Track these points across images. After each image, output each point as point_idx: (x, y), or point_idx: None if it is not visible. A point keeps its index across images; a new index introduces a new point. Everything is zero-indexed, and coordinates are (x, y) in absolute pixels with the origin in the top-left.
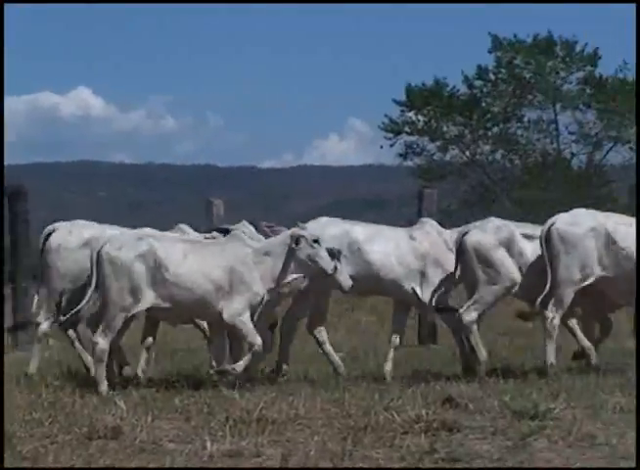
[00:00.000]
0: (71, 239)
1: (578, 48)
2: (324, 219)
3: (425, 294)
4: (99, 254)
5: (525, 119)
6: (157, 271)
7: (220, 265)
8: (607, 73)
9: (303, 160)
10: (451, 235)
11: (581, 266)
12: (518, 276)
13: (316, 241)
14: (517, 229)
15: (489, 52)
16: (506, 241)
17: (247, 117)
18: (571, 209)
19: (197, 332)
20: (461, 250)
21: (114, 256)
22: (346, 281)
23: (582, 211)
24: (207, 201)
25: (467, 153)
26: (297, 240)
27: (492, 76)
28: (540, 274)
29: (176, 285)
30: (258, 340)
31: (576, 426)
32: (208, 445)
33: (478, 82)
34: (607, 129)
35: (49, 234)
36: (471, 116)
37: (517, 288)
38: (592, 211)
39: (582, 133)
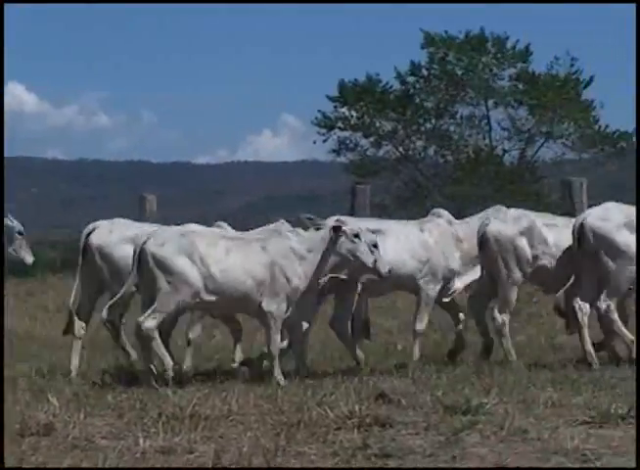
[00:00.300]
0: (112, 237)
1: (510, 45)
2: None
3: (429, 286)
4: (142, 249)
5: (458, 116)
6: (199, 266)
7: (262, 261)
8: (538, 70)
9: (237, 155)
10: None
11: None
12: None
13: (357, 235)
14: (537, 218)
15: (422, 48)
16: (526, 230)
17: (180, 114)
18: (502, 204)
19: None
20: (483, 240)
21: (157, 252)
22: (384, 268)
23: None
24: (141, 196)
25: (400, 149)
26: (337, 235)
27: (425, 72)
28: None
29: (219, 280)
30: (278, 340)
31: (508, 421)
32: (141, 441)
33: (410, 78)
34: (539, 125)
35: (89, 233)
36: (404, 112)
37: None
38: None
39: (514, 129)
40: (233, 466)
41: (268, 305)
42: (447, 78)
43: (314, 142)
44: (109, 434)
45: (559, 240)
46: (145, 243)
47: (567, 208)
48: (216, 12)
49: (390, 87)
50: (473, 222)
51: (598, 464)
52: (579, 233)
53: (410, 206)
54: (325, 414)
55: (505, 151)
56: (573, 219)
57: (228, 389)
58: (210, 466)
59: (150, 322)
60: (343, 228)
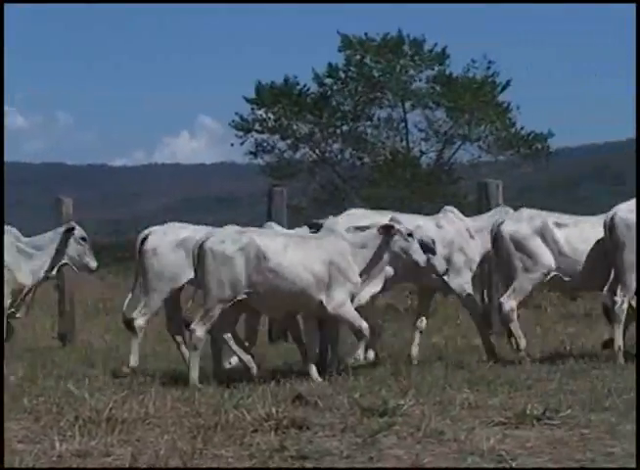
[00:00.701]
0: (167, 240)
1: (427, 47)
2: (360, 211)
3: (452, 280)
4: (201, 248)
5: (375, 118)
6: (258, 263)
7: (320, 258)
8: (456, 72)
9: (154, 157)
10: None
11: None
12: (553, 264)
13: (410, 234)
14: (549, 217)
15: (339, 51)
16: (540, 230)
17: (97, 116)
18: (419, 206)
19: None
20: (497, 239)
21: (217, 249)
22: (442, 266)
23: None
24: (57, 199)
25: (317, 151)
26: (392, 233)
27: (342, 75)
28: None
29: (278, 276)
30: (364, 324)
31: (425, 422)
32: (57, 444)
33: (328, 80)
34: (456, 127)
35: (145, 237)
36: (321, 114)
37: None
38: None
39: (432, 131)
40: (149, 468)
41: (331, 302)
42: (365, 81)
43: (232, 144)
44: (25, 438)
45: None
46: (205, 241)
47: (483, 209)
48: (116, 11)
49: (308, 89)
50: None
51: (514, 464)
52: (610, 227)
53: (327, 208)
54: (242, 416)
55: (422, 153)
56: (582, 218)
57: (145, 391)
58: (127, 467)
59: (199, 327)
60: (397, 227)
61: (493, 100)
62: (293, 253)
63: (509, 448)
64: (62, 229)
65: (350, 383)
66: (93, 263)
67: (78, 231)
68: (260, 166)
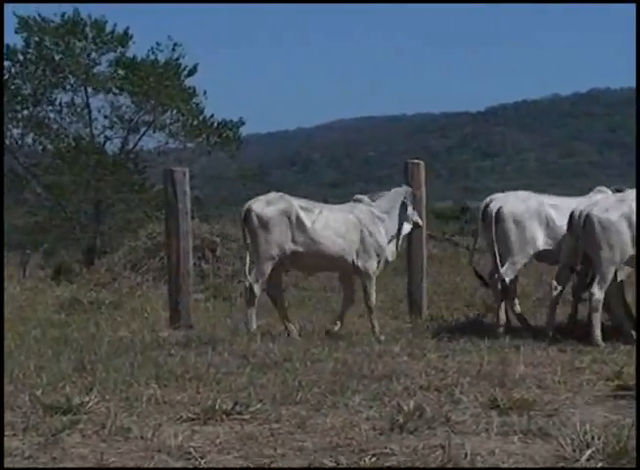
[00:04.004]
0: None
1: (109, 28)
2: (523, 193)
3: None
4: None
5: (57, 103)
6: (296, 226)
7: (351, 223)
8: (141, 55)
9: None
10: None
11: None
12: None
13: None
14: (545, 199)
15: (16, 33)
16: (535, 210)
17: None
18: (104, 194)
19: None
20: (498, 218)
21: (261, 212)
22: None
23: None
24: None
25: None
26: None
27: (21, 57)
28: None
29: (314, 239)
30: (374, 298)
31: (111, 419)
32: None
33: (6, 63)
34: (141, 114)
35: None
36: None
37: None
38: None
39: (117, 117)
40: None
41: (363, 263)
42: (45, 64)
43: None
44: None
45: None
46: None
47: (170, 198)
48: None
49: None
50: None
51: (202, 462)
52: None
53: (8, 197)
54: None
55: (107, 138)
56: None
57: None
58: None
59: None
60: (410, 190)
61: (179, 85)
62: (326, 218)
63: (198, 445)
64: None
65: (33, 380)
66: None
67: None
68: None
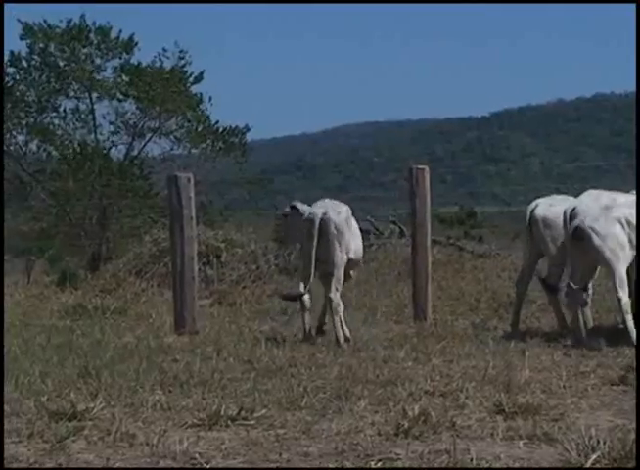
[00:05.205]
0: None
1: (114, 35)
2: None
3: None
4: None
5: (62, 109)
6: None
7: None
8: (146, 62)
9: None
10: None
11: None
12: None
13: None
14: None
15: (21, 39)
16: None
17: None
18: (110, 200)
19: None
20: (533, 222)
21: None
22: None
23: None
24: None
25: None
26: None
27: (25, 64)
28: None
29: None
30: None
31: (116, 425)
32: None
33: (10, 70)
34: (146, 120)
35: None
36: (3, 105)
37: None
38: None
39: (122, 124)
40: None
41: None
42: (49, 70)
43: None
44: None
45: None
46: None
47: (175, 203)
48: None
49: None
50: None
51: (208, 467)
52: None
53: (12, 203)
54: None
55: (114, 144)
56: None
57: None
58: None
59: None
60: None
61: (185, 91)
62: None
63: (203, 451)
64: None
65: (38, 386)
66: None
67: None
68: None
